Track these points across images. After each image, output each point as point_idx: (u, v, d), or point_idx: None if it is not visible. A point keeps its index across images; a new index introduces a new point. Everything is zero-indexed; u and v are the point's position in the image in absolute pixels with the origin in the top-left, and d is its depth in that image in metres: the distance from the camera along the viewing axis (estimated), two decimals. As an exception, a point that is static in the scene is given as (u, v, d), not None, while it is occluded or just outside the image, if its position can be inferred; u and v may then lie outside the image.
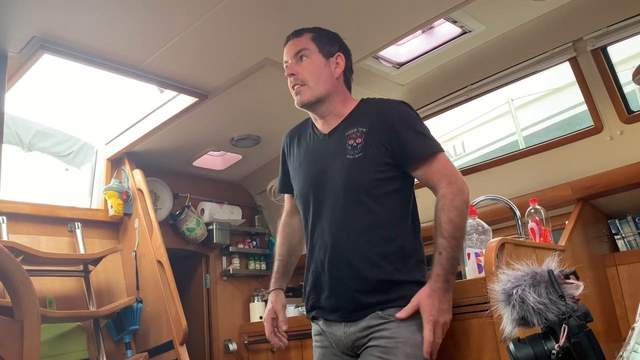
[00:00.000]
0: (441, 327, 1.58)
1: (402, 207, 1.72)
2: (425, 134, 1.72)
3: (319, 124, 1.85)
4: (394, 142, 1.68)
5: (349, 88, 1.88)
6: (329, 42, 1.82)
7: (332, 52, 1.81)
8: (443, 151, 1.70)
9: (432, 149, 1.68)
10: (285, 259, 2.04)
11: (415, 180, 1.76)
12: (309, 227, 1.80)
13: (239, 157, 3.72)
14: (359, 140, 1.71)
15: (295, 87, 1.79)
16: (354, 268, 1.65)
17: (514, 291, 1.29)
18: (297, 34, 1.83)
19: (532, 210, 2.38)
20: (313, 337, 1.84)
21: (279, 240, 2.08)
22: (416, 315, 1.60)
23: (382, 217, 1.67)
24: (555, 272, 1.30)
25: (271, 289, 2.02)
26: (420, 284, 1.65)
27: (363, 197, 1.68)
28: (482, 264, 1.94)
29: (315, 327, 1.82)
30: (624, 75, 2.55)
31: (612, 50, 2.59)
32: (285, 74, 1.81)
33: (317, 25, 1.87)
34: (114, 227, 3.36)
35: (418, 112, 3.11)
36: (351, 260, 1.66)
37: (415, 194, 1.79)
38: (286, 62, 1.83)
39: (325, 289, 1.72)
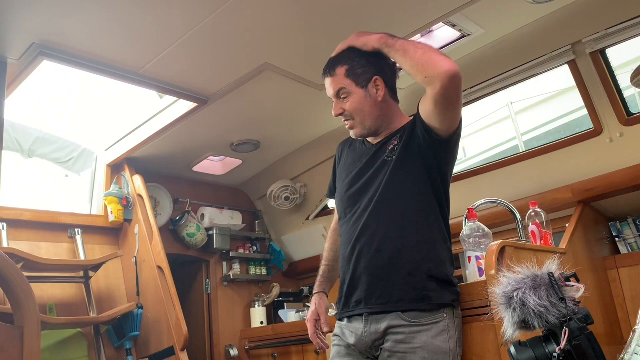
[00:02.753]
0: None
1: (436, 209, 1.76)
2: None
3: (370, 138, 1.92)
4: (422, 132, 1.73)
5: (396, 97, 1.94)
6: (362, 71, 1.82)
7: (369, 79, 1.82)
8: None
9: None
10: (331, 264, 2.06)
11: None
12: (344, 227, 1.86)
13: (239, 162, 3.72)
14: (395, 143, 1.79)
15: (347, 124, 1.86)
16: (382, 264, 1.69)
17: (515, 294, 1.29)
18: (331, 71, 1.85)
19: (533, 213, 2.38)
20: (332, 337, 1.87)
21: (327, 246, 2.11)
22: (437, 320, 1.63)
23: (416, 218, 1.72)
24: (556, 275, 1.30)
25: (315, 292, 2.05)
26: (449, 284, 1.69)
27: (395, 202, 1.73)
28: (483, 268, 1.94)
29: (336, 329, 1.85)
30: (624, 79, 2.55)
31: (611, 54, 2.59)
32: (333, 114, 1.86)
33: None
34: (114, 233, 3.36)
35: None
36: (378, 257, 1.70)
37: (449, 197, 1.82)
38: (330, 97, 1.88)
39: (356, 285, 1.76)
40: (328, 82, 1.87)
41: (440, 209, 1.77)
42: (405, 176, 1.74)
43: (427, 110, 1.72)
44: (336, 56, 1.87)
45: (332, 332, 1.93)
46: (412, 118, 1.86)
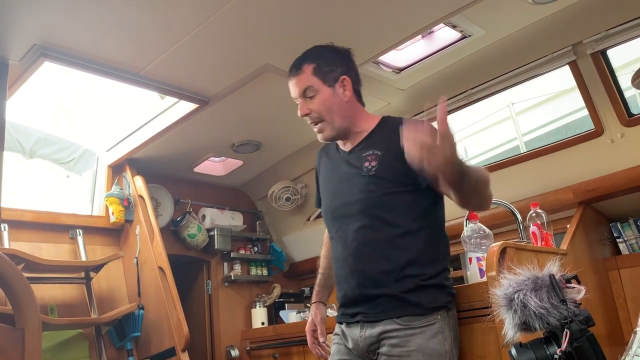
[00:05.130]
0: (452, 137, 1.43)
1: (422, 217, 1.72)
2: None
3: (340, 143, 1.90)
4: (407, 167, 1.65)
5: (361, 100, 1.89)
6: (330, 69, 1.79)
7: (336, 78, 1.79)
8: None
9: None
10: (326, 272, 2.07)
11: None
12: (333, 241, 1.87)
13: (240, 162, 3.72)
14: (373, 164, 1.74)
15: (316, 126, 1.82)
16: (372, 278, 1.69)
17: (516, 296, 1.29)
18: (297, 69, 1.81)
19: (534, 214, 2.37)
20: (333, 336, 1.88)
21: (322, 253, 2.12)
22: (431, 322, 1.63)
23: (399, 230, 1.69)
24: (557, 277, 1.29)
25: (312, 302, 2.07)
26: (442, 286, 1.68)
27: (378, 212, 1.71)
28: (484, 269, 1.94)
29: (336, 329, 1.87)
30: (625, 80, 2.55)
31: (612, 55, 2.59)
32: (299, 114, 1.82)
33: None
34: (115, 233, 3.36)
35: (418, 116, 3.15)
36: (367, 271, 1.70)
37: (443, 202, 1.80)
38: (295, 99, 1.84)
39: (348, 296, 1.77)
40: (293, 81, 1.82)
41: (427, 216, 1.73)
42: (385, 188, 1.71)
43: (432, 180, 1.62)
44: (302, 54, 1.84)
45: (327, 342, 1.98)
46: (380, 119, 1.84)
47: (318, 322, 2.00)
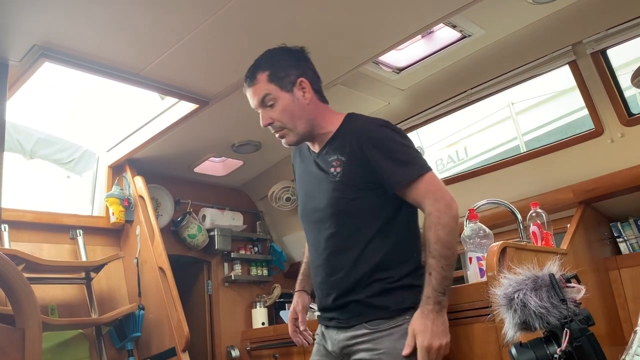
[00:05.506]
0: (436, 351, 1.54)
1: (390, 220, 1.71)
2: (406, 160, 1.67)
3: (309, 143, 1.88)
4: (374, 171, 1.68)
5: (323, 99, 1.85)
6: (285, 74, 1.74)
7: (293, 81, 1.74)
8: (427, 171, 1.66)
9: (412, 175, 1.65)
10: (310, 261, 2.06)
11: None
12: (308, 245, 1.91)
13: (240, 162, 3.72)
14: (338, 170, 1.72)
15: (278, 134, 1.81)
16: (343, 287, 1.71)
17: (516, 295, 1.29)
18: (251, 79, 1.77)
19: (534, 214, 2.37)
20: (316, 335, 1.91)
21: (306, 245, 2.09)
22: (399, 324, 1.63)
23: (367, 235, 1.69)
24: (557, 276, 1.30)
25: (295, 290, 2.09)
26: (410, 286, 1.66)
27: (346, 218, 1.71)
28: (484, 268, 1.94)
29: (318, 329, 1.89)
30: (624, 80, 2.55)
31: (612, 54, 2.59)
32: (262, 125, 1.80)
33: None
34: (115, 234, 3.36)
35: (419, 116, 3.16)
36: (338, 280, 1.72)
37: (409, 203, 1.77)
38: (255, 109, 1.81)
39: (322, 302, 1.81)
40: (250, 91, 1.78)
41: (394, 218, 1.71)
42: (351, 194, 1.70)
43: (407, 199, 1.68)
44: (254, 63, 1.80)
45: (307, 329, 2.03)
46: (345, 116, 1.81)
47: (299, 310, 2.03)
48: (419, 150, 1.75)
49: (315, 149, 1.84)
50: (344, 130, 1.77)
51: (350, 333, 1.69)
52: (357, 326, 1.67)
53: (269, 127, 1.79)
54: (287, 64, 1.76)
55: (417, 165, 1.67)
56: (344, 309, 1.71)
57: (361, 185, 1.69)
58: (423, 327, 1.55)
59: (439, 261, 1.57)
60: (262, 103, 1.76)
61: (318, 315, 1.88)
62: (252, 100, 1.80)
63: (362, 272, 1.67)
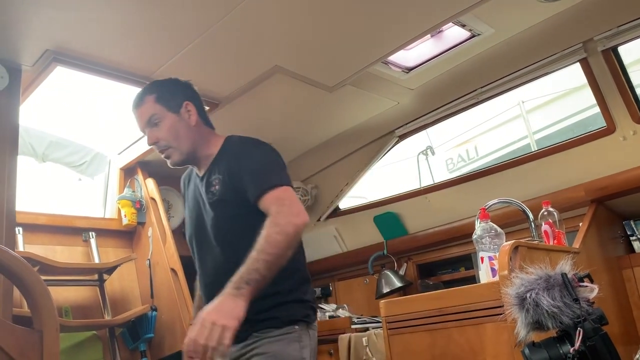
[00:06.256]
0: (209, 328, 1.44)
1: None
2: (265, 172, 1.72)
3: (195, 168, 1.93)
4: (241, 186, 1.71)
5: (209, 124, 1.92)
6: (172, 97, 1.83)
7: (179, 104, 1.83)
8: (283, 185, 1.68)
9: (265, 187, 1.67)
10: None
11: None
12: (197, 266, 1.93)
13: (250, 164, 3.73)
14: (217, 187, 1.76)
15: (163, 153, 1.84)
16: None
17: (528, 295, 1.29)
18: (139, 102, 1.84)
19: (545, 213, 2.36)
20: None
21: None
22: (289, 331, 1.66)
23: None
24: (569, 275, 1.29)
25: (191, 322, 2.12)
26: (300, 301, 1.71)
27: (227, 236, 1.74)
28: (496, 268, 1.93)
29: None
30: (636, 77, 2.54)
31: (623, 51, 2.57)
32: (148, 143, 1.85)
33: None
34: (127, 236, 3.39)
35: (428, 115, 3.16)
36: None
37: None
38: (143, 131, 1.86)
39: None
40: (137, 113, 1.84)
41: None
42: (230, 211, 1.73)
43: (263, 210, 1.67)
44: (142, 89, 1.88)
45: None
46: (224, 141, 1.85)
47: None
48: (286, 166, 1.82)
49: (201, 172, 1.88)
50: (223, 152, 1.83)
51: (241, 344, 1.68)
52: (248, 337, 1.67)
53: (154, 146, 1.84)
54: (174, 89, 1.87)
55: (274, 178, 1.70)
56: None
57: (238, 201, 1.71)
58: (213, 305, 1.50)
59: (257, 254, 1.53)
60: (149, 123, 1.82)
61: None
62: (139, 122, 1.86)
63: None
